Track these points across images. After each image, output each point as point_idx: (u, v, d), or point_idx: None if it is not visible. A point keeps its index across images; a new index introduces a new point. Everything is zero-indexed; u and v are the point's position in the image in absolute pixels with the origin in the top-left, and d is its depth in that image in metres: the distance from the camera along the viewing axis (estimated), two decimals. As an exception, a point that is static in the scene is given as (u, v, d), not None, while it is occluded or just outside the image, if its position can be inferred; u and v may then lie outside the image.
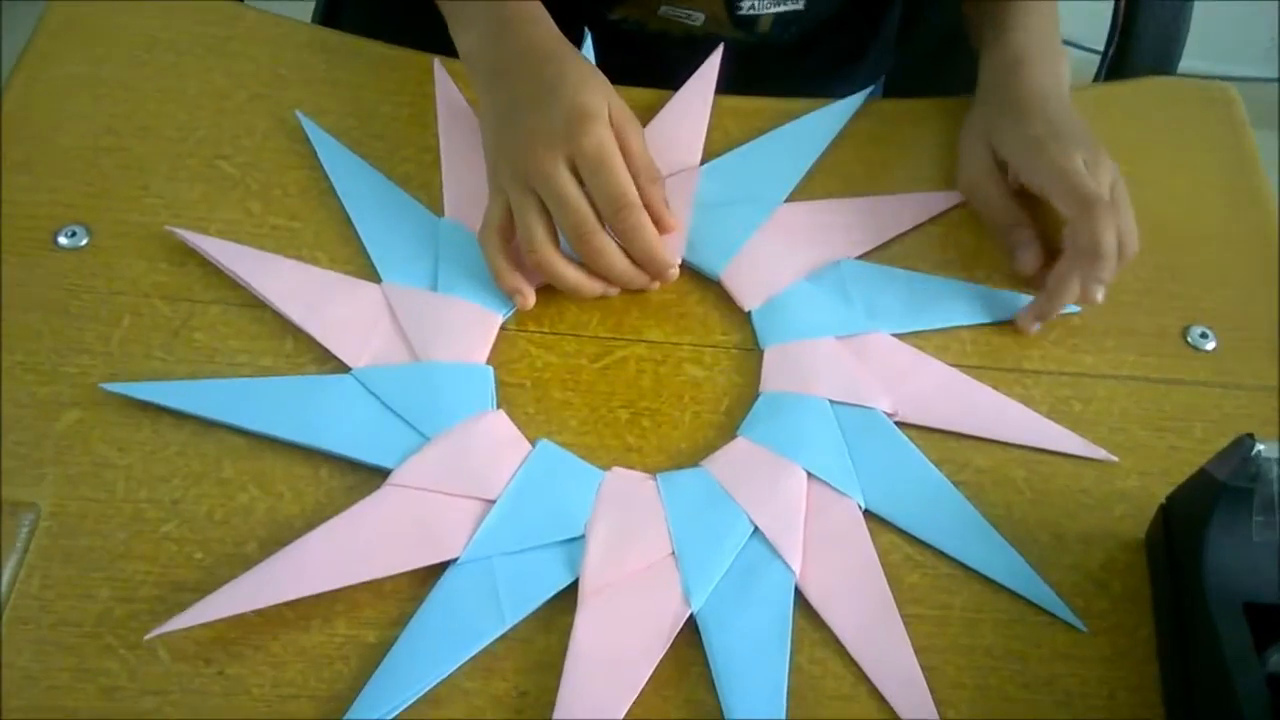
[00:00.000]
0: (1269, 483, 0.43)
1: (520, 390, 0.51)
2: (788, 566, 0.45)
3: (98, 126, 0.57)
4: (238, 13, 0.64)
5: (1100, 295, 0.52)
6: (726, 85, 0.61)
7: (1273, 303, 0.57)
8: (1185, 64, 0.73)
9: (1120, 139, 0.57)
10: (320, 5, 0.79)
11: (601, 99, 0.51)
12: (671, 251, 0.53)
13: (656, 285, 0.53)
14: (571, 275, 0.51)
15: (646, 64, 0.60)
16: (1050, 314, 0.54)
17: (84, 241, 0.52)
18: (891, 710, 0.43)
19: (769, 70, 0.68)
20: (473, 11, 0.56)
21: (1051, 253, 0.55)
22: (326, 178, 0.55)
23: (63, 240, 0.52)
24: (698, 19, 0.65)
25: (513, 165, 0.51)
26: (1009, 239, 0.56)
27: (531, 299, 0.52)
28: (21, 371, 0.49)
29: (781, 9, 0.65)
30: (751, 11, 0.65)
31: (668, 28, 0.66)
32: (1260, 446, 0.43)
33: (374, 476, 0.47)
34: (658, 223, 0.51)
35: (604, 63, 0.60)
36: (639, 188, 0.51)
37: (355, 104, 0.59)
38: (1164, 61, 0.71)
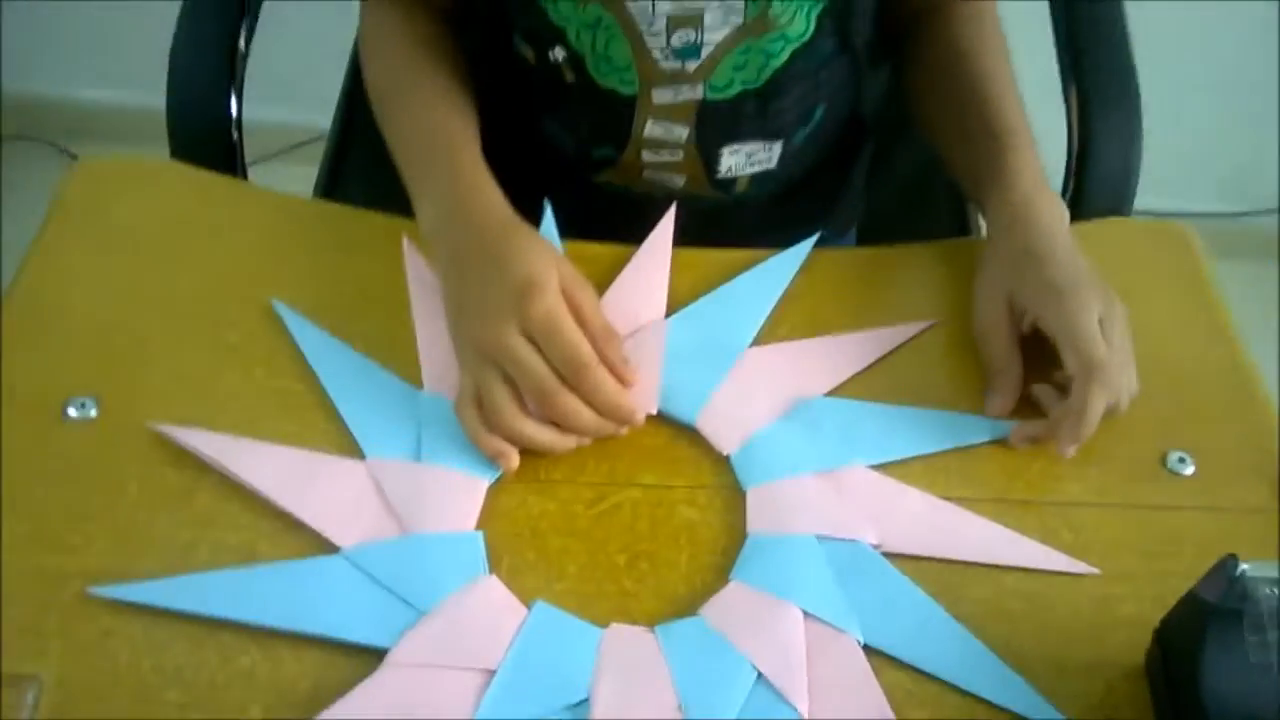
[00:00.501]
0: (1257, 602, 0.44)
1: (518, 539, 0.52)
2: (793, 710, 0.45)
3: (106, 302, 0.59)
4: (238, 190, 0.68)
5: (1071, 452, 0.55)
6: (706, 241, 0.64)
7: (1247, 427, 0.58)
8: (1144, 202, 0.77)
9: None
10: (322, 176, 0.84)
11: (549, 268, 0.54)
12: (644, 401, 0.55)
13: (625, 431, 0.55)
14: (542, 437, 0.53)
15: (630, 223, 0.64)
16: (1044, 441, 0.56)
17: (93, 413, 0.54)
18: None
19: (746, 225, 0.71)
20: (430, 192, 0.59)
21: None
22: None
23: (72, 412, 0.54)
24: (678, 182, 0.70)
25: (472, 341, 0.54)
26: (994, 379, 0.58)
27: (515, 460, 0.53)
28: (28, 543, 0.50)
29: (756, 169, 0.70)
30: (729, 174, 0.69)
31: (651, 190, 0.70)
32: (1245, 566, 0.44)
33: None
34: (616, 377, 0.53)
35: (588, 222, 0.63)
36: (595, 347, 0.53)
37: (348, 276, 0.62)
38: (1119, 201, 0.75)
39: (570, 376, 0.52)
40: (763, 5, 0.60)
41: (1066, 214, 0.61)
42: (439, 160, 0.60)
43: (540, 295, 0.52)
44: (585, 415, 0.53)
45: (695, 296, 0.61)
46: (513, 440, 0.53)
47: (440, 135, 0.61)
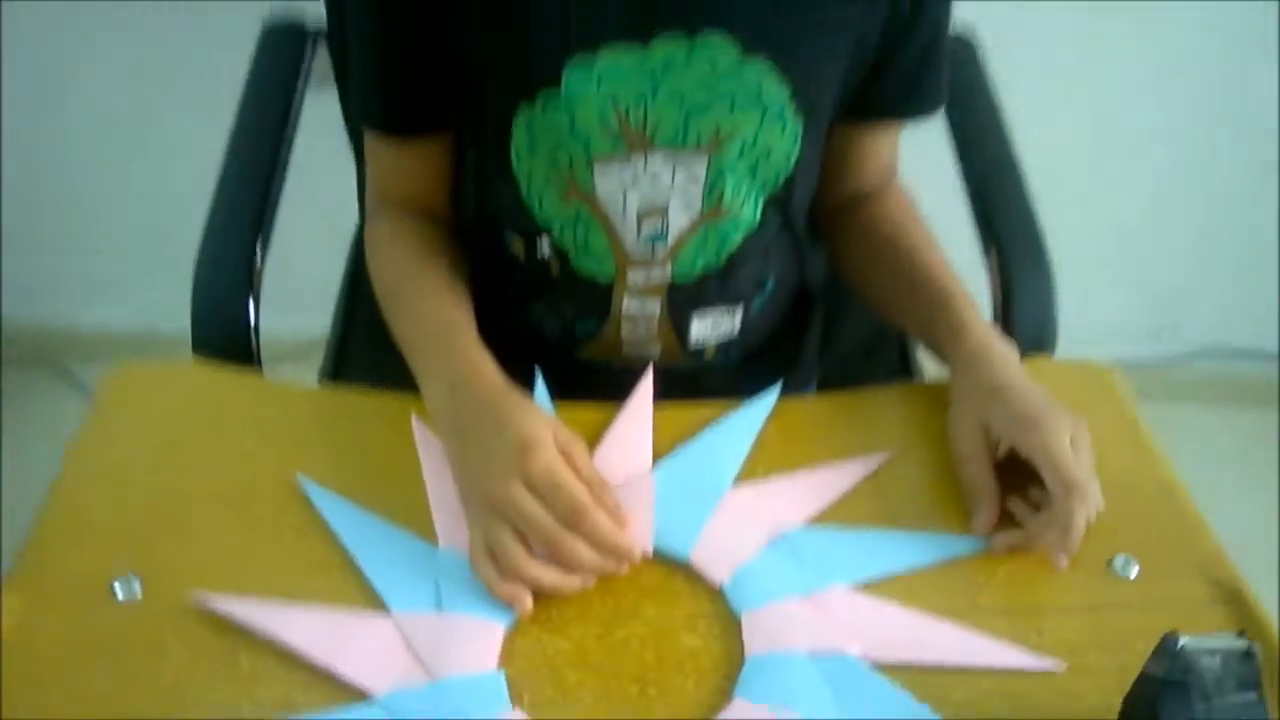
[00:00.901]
0: (1200, 673, 0.49)
1: (537, 676, 0.56)
2: (802, 809, 0.50)
3: (146, 488, 0.65)
4: (259, 384, 0.75)
5: (1064, 563, 0.62)
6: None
7: (1179, 532, 0.65)
8: (1077, 350, 0.85)
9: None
10: (327, 366, 0.91)
11: (544, 428, 0.61)
12: (641, 543, 0.61)
13: (625, 568, 0.60)
14: (550, 579, 0.58)
15: (612, 394, 0.71)
16: (1023, 550, 0.62)
17: (138, 588, 0.59)
18: None
19: (715, 390, 0.79)
20: (434, 373, 0.67)
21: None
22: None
23: (118, 589, 0.59)
24: (655, 352, 0.78)
25: (480, 499, 0.60)
26: (976, 500, 0.65)
27: (529, 602, 0.58)
28: (81, 713, 0.53)
29: (722, 335, 0.79)
30: (699, 342, 0.78)
31: (630, 363, 0.78)
32: (1184, 641, 0.50)
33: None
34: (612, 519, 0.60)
35: (572, 393, 0.71)
36: (591, 494, 0.59)
37: (362, 449, 0.68)
38: (1041, 344, 0.84)
39: (573, 524, 0.58)
40: (717, 196, 0.71)
41: (1016, 353, 0.70)
42: (440, 345, 0.68)
43: (538, 452, 0.59)
44: (588, 556, 0.59)
45: (676, 447, 0.68)
46: (525, 584, 0.58)
47: (441, 323, 0.70)
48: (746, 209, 0.73)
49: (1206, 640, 0.50)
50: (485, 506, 0.60)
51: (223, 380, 0.73)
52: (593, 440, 0.68)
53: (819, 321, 0.89)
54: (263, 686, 0.55)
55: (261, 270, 0.82)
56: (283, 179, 0.89)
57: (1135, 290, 1.64)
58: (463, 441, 0.64)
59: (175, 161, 1.44)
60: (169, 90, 1.42)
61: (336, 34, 0.74)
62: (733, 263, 0.75)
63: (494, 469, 0.60)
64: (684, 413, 0.71)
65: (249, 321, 0.79)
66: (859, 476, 0.67)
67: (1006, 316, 0.86)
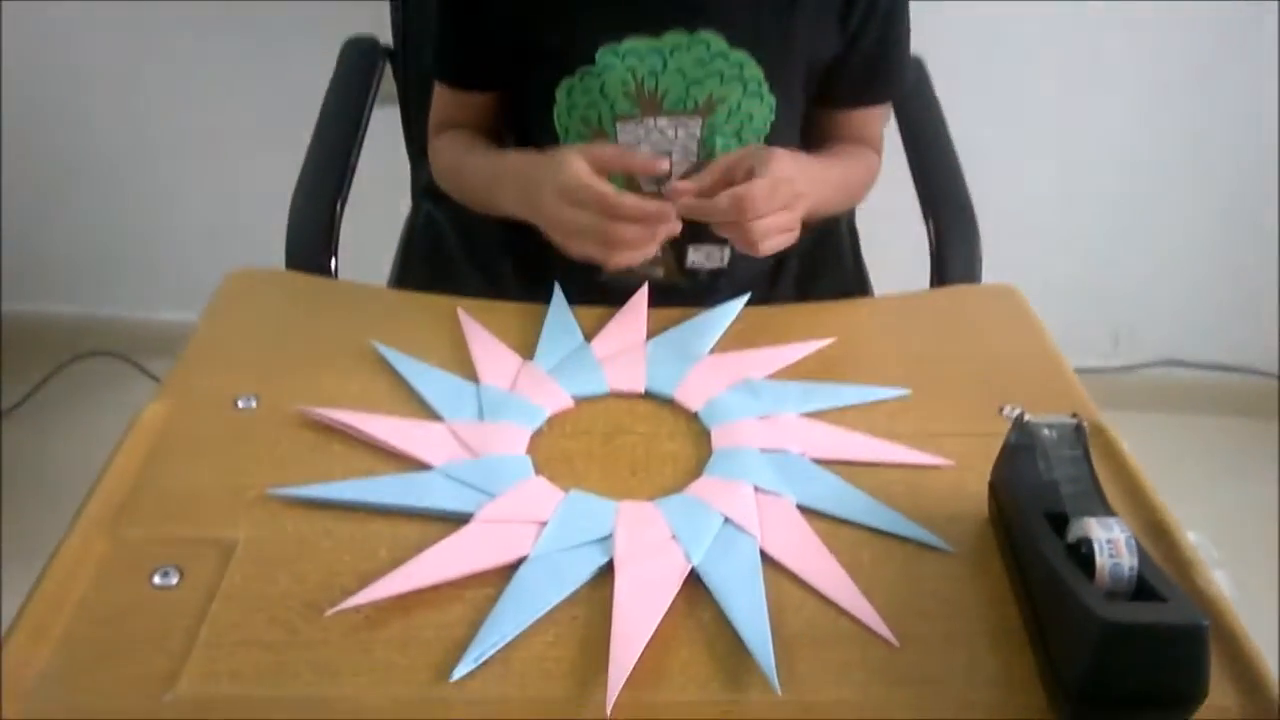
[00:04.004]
0: (1041, 439, 0.67)
1: (555, 462, 0.74)
2: (751, 535, 0.68)
3: (261, 346, 0.84)
4: (342, 284, 0.95)
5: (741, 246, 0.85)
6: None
7: (1055, 390, 0.84)
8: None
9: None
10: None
11: (571, 150, 0.83)
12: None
13: (676, 223, 0.82)
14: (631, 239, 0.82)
15: (624, 301, 0.91)
16: (701, 211, 0.82)
17: (254, 404, 0.78)
18: (835, 604, 0.64)
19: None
20: (503, 184, 0.91)
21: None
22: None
23: (240, 404, 0.78)
24: (659, 273, 0.99)
25: (549, 227, 0.84)
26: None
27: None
28: (218, 473, 0.72)
29: (713, 266, 0.99)
30: (694, 266, 0.99)
31: (640, 279, 0.97)
32: (1029, 417, 0.68)
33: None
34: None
35: (595, 304, 0.90)
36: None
37: (424, 329, 0.88)
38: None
39: (609, 213, 0.80)
40: (708, 149, 0.92)
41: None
42: (503, 166, 0.92)
43: (566, 167, 0.81)
44: (634, 232, 0.81)
45: (663, 331, 0.88)
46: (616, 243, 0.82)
47: (494, 158, 0.95)
48: None
49: (1046, 418, 0.68)
50: (553, 227, 0.83)
51: (315, 283, 0.94)
52: (600, 328, 0.87)
53: (792, 276, 1.10)
54: (352, 461, 0.74)
55: (342, 214, 1.02)
56: (358, 156, 1.10)
57: (1094, 298, 1.82)
58: (530, 201, 0.85)
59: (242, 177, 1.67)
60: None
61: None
62: None
63: (543, 196, 0.81)
64: (670, 312, 0.90)
65: (329, 265, 1.00)
66: (808, 351, 0.86)
67: (941, 271, 1.06)
